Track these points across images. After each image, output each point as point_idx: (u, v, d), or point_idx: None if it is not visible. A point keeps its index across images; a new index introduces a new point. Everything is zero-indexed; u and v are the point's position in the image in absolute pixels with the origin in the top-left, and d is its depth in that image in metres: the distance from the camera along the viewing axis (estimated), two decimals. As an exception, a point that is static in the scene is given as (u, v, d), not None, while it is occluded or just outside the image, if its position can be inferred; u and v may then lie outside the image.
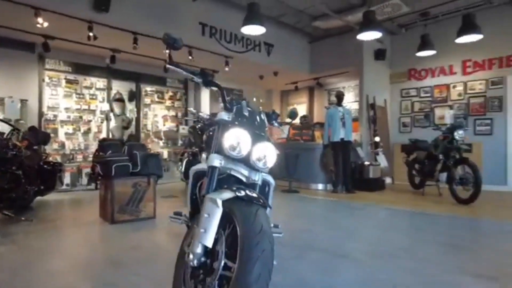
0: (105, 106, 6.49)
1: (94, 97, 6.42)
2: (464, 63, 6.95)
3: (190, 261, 1.40)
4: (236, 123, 1.70)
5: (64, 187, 5.21)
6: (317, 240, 3.00)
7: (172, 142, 7.63)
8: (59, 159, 5.90)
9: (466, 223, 3.78)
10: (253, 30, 4.99)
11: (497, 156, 6.43)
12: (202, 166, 1.90)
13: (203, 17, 6.01)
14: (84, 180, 5.99)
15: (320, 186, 6.57)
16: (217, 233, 1.40)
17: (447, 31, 6.66)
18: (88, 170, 5.95)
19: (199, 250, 1.40)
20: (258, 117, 1.80)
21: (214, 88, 1.90)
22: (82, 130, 6.27)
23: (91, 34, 4.84)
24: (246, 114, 1.75)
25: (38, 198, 4.40)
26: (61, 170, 4.51)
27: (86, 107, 6.30)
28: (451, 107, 7.07)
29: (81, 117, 6.27)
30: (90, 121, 6.36)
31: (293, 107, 8.91)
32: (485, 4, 6.24)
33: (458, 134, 5.08)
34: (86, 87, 6.37)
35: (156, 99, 7.35)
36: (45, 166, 4.32)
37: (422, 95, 7.62)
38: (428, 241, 3.00)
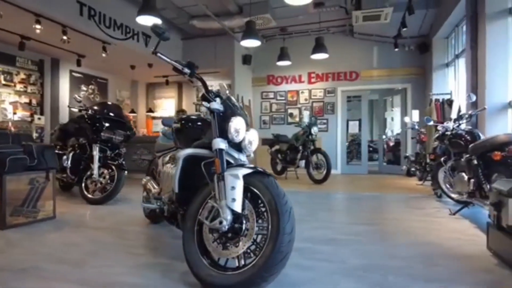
0: None
1: None
2: (309, 74, 8.77)
3: (222, 227, 1.66)
4: (230, 111, 2.00)
5: None
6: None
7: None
8: None
9: (328, 195, 5.05)
10: (149, 20, 4.91)
11: (331, 148, 8.46)
12: (190, 151, 2.09)
13: (81, -5, 5.38)
14: None
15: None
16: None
17: (298, 47, 8.26)
18: None
19: (229, 216, 1.68)
20: (242, 108, 2.15)
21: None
22: None
23: None
24: (237, 105, 2.07)
25: None
26: None
27: None
28: (300, 109, 8.79)
29: None
30: None
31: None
32: (325, 31, 8.10)
33: (314, 130, 6.53)
34: None
35: (3, 82, 5.97)
36: None
37: (278, 98, 9.11)
38: (316, 209, 3.95)
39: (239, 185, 1.72)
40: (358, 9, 5.89)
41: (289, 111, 8.83)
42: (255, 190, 1.73)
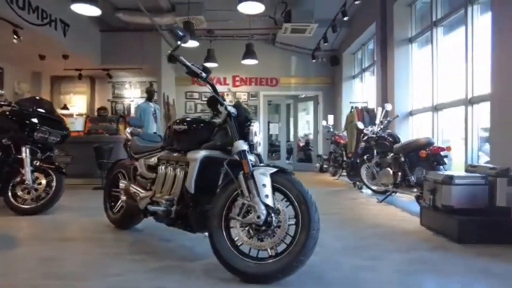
0: None
1: None
2: (234, 78, 9.10)
3: (260, 221, 1.83)
4: (245, 115, 2.18)
5: None
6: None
7: None
8: None
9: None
10: (86, 9, 4.49)
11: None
12: (205, 153, 2.17)
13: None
14: None
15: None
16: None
17: (223, 50, 8.50)
18: None
19: (264, 211, 1.86)
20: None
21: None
22: None
23: None
24: (248, 108, 2.26)
25: None
26: None
27: None
28: (225, 110, 9.05)
29: None
30: None
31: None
32: (249, 38, 8.54)
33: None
34: None
35: None
36: None
37: (204, 98, 9.16)
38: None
39: (268, 182, 1.91)
40: (288, 22, 6.48)
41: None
42: (280, 186, 1.95)
